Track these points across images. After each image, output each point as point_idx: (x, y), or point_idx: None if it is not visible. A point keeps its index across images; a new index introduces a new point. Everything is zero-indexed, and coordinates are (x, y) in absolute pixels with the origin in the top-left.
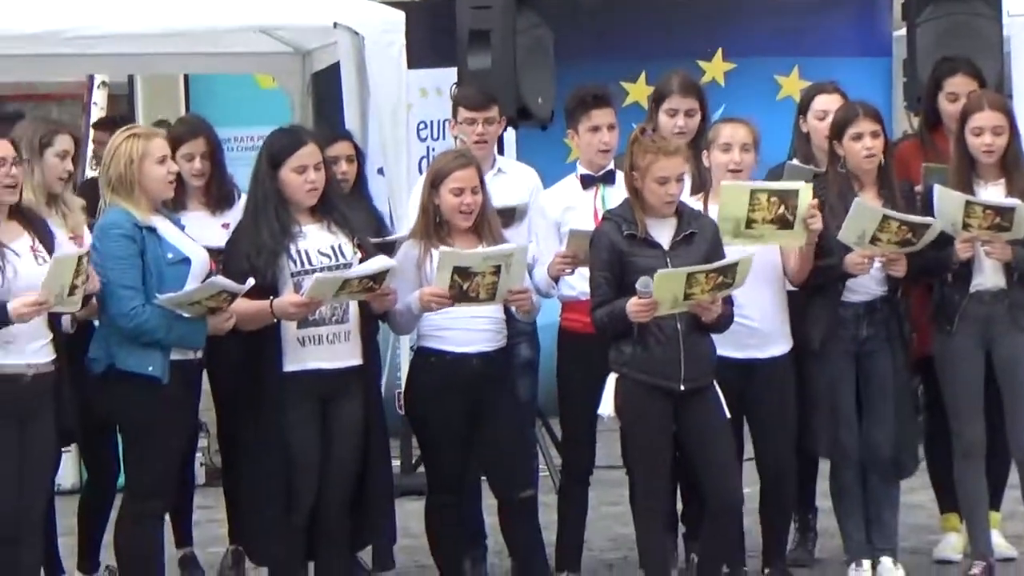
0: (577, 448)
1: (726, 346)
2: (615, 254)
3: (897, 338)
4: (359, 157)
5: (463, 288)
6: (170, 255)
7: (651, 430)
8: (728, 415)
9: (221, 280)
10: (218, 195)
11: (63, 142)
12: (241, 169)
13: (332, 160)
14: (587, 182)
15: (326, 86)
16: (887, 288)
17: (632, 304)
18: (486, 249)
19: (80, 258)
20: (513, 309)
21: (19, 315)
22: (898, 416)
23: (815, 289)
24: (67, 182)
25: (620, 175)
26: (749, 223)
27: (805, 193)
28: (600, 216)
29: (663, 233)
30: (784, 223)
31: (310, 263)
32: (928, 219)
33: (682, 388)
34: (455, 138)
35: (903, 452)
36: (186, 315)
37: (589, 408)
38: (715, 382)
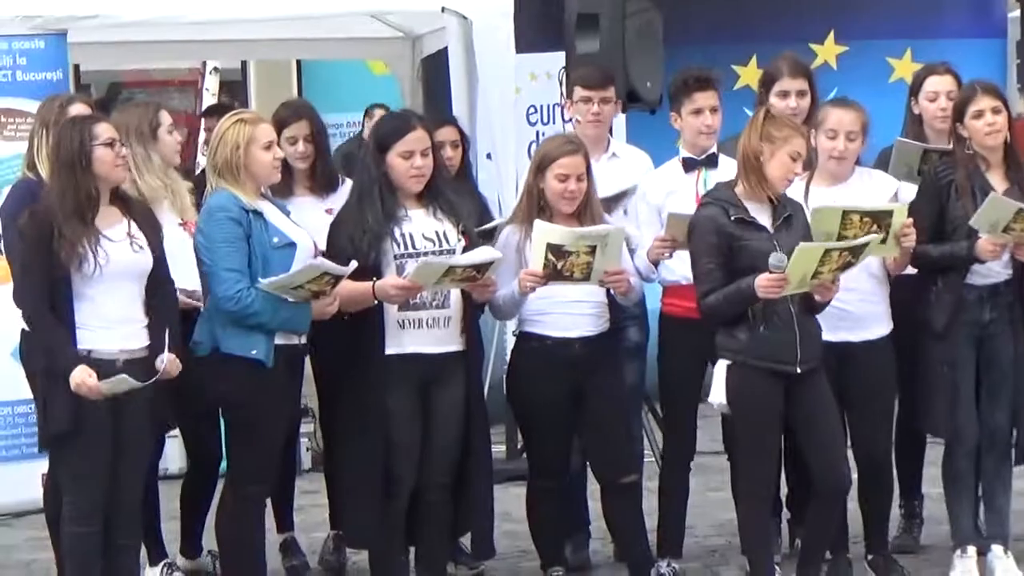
0: (678, 433)
1: None
2: (723, 238)
3: (1020, 321)
4: (464, 142)
5: (557, 267)
6: (276, 239)
7: (764, 416)
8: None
9: (323, 262)
10: (322, 180)
11: (166, 116)
12: None
13: (438, 145)
14: (689, 165)
15: (435, 71)
16: (1011, 271)
17: (763, 279)
18: (581, 228)
19: None
20: (612, 291)
21: (75, 385)
22: (1017, 400)
23: (939, 271)
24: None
25: (723, 159)
26: (840, 239)
27: (899, 214)
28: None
29: (761, 216)
30: None
31: (414, 247)
32: None
33: (799, 371)
34: (565, 120)
35: (1022, 437)
36: (290, 299)
37: (690, 393)
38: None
